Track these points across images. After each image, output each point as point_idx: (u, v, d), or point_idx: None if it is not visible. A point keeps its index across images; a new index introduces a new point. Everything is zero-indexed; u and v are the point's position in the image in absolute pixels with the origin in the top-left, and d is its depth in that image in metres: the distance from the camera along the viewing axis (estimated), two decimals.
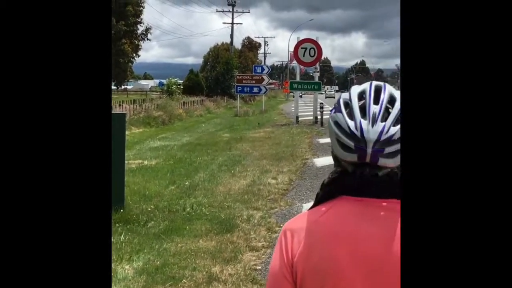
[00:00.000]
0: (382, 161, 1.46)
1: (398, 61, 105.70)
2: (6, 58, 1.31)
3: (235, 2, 63.76)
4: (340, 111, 1.51)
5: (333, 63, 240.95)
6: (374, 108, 1.48)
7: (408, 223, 1.33)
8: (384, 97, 1.50)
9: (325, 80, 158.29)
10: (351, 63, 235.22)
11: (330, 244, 1.46)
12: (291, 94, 40.26)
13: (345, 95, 1.55)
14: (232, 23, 62.90)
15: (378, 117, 1.46)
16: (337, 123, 1.51)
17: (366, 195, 1.48)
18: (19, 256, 1.30)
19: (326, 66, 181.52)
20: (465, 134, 1.28)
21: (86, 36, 1.38)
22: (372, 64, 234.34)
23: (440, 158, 1.30)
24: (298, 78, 26.32)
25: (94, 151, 1.38)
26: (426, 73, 1.33)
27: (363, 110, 1.49)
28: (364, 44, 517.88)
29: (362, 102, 1.50)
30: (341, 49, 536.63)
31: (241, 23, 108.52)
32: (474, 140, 1.27)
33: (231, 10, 63.43)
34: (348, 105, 1.52)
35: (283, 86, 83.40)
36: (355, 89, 1.55)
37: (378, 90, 1.52)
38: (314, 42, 23.91)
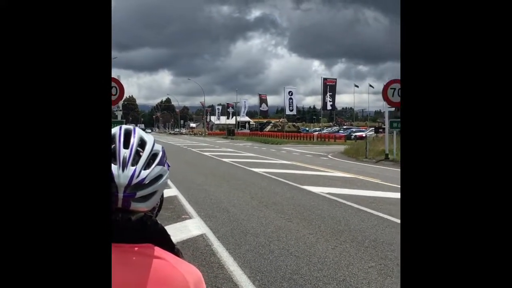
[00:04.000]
0: (134, 206, 1.45)
1: (202, 99, 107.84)
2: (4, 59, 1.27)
3: None
4: None
5: (139, 101, 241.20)
6: (124, 153, 1.46)
7: (408, 224, 1.34)
8: (134, 141, 1.49)
9: (130, 118, 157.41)
10: (158, 101, 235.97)
11: None
12: None
13: None
14: None
15: (128, 161, 1.44)
16: None
17: (120, 241, 1.45)
18: (19, 255, 1.26)
19: (131, 105, 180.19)
20: (464, 135, 1.32)
21: (86, 36, 1.33)
22: (178, 102, 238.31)
23: (439, 160, 1.33)
24: None
25: (93, 151, 1.32)
26: (425, 74, 1.35)
27: (114, 154, 1.46)
28: (171, 82, 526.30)
29: (112, 146, 1.48)
30: (148, 87, 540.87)
31: None
32: (472, 141, 1.31)
33: None
34: None
35: None
36: None
37: (127, 134, 1.51)
38: (116, 81, 23.47)
